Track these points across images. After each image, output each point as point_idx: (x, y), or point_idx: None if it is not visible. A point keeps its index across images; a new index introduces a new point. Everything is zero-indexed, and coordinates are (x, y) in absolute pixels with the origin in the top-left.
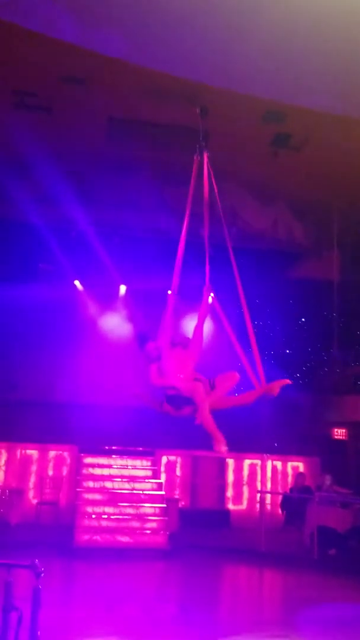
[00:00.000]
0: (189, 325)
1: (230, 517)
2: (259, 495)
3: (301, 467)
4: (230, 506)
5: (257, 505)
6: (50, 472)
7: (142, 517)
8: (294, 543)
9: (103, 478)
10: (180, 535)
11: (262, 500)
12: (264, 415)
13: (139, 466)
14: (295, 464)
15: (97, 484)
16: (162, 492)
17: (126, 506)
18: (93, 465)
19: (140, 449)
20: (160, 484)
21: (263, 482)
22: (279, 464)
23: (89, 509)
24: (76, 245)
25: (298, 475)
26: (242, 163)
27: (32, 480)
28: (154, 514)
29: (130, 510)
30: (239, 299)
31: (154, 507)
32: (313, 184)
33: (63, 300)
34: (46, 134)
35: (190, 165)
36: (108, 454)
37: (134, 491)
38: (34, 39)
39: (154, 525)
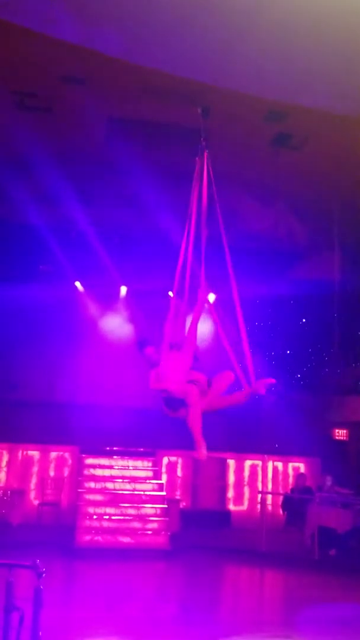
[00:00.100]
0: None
1: (231, 517)
2: (259, 495)
3: (302, 467)
4: (231, 507)
5: (258, 506)
6: (52, 473)
7: (143, 518)
8: (294, 543)
9: (104, 479)
10: (181, 535)
11: (263, 500)
12: (265, 416)
13: (140, 467)
14: (296, 464)
15: (99, 485)
16: (163, 493)
17: (127, 507)
18: (94, 466)
19: (142, 449)
20: (161, 485)
21: (264, 483)
22: (279, 465)
23: (90, 510)
24: (76, 246)
25: (299, 476)
26: (242, 163)
27: (34, 481)
28: (155, 515)
29: (132, 511)
30: (237, 299)
31: (155, 507)
32: (313, 184)
33: (64, 300)
34: (46, 134)
35: (190, 165)
36: (109, 454)
37: (135, 492)
38: (34, 39)
39: (155, 525)
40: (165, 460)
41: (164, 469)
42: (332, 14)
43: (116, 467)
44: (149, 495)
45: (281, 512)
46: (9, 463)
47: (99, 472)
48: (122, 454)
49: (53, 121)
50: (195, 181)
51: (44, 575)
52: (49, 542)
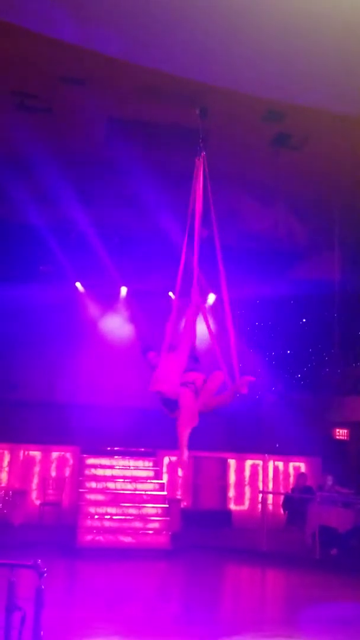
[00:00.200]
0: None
1: (232, 517)
2: (260, 495)
3: (303, 467)
4: (232, 506)
5: (259, 506)
6: (53, 473)
7: (144, 518)
8: (295, 543)
9: (105, 479)
10: (182, 535)
11: (264, 500)
12: (266, 416)
13: (141, 467)
14: (297, 464)
15: (100, 485)
16: (164, 493)
17: (128, 507)
18: (95, 466)
19: (142, 449)
20: (162, 485)
21: (265, 483)
22: (280, 465)
23: (92, 510)
24: (76, 246)
25: (299, 476)
26: (242, 163)
27: (35, 481)
28: (156, 515)
29: (133, 511)
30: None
31: (156, 507)
32: (313, 183)
33: (64, 301)
34: (46, 134)
35: (190, 165)
36: (110, 454)
37: (136, 492)
38: (34, 40)
39: (156, 525)
40: (166, 460)
41: (164, 469)
42: (331, 13)
43: (117, 467)
44: (150, 495)
45: (282, 511)
46: (10, 463)
47: (100, 472)
48: (123, 454)
49: (53, 122)
50: (194, 182)
51: (45, 575)
52: (50, 542)
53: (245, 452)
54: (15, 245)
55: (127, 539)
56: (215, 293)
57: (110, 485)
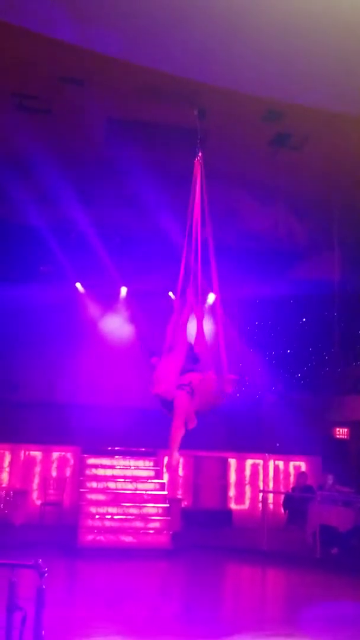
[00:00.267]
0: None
1: (232, 516)
2: (261, 494)
3: (303, 466)
4: (233, 506)
5: (260, 505)
6: (54, 473)
7: (145, 517)
8: (296, 542)
9: (106, 478)
10: (183, 534)
11: (265, 499)
12: (266, 416)
13: (141, 466)
14: (297, 463)
15: (101, 485)
16: (165, 492)
17: (129, 506)
18: (96, 466)
19: (143, 449)
20: (162, 484)
21: (265, 482)
22: (281, 464)
23: (93, 510)
24: (76, 246)
25: (300, 475)
26: (242, 163)
27: (36, 481)
28: (156, 514)
29: (134, 511)
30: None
31: (157, 507)
32: (313, 183)
33: (64, 301)
34: (46, 135)
35: (190, 165)
36: (111, 454)
37: (137, 491)
38: (33, 40)
39: (157, 525)
40: (166, 459)
41: (165, 469)
42: (330, 13)
43: (118, 467)
44: (151, 494)
45: (282, 511)
46: (11, 463)
47: (100, 472)
48: (124, 454)
49: (52, 122)
50: (193, 183)
51: (46, 574)
52: (51, 542)
53: (246, 451)
54: (16, 246)
55: (127, 539)
56: (210, 293)
57: (111, 485)
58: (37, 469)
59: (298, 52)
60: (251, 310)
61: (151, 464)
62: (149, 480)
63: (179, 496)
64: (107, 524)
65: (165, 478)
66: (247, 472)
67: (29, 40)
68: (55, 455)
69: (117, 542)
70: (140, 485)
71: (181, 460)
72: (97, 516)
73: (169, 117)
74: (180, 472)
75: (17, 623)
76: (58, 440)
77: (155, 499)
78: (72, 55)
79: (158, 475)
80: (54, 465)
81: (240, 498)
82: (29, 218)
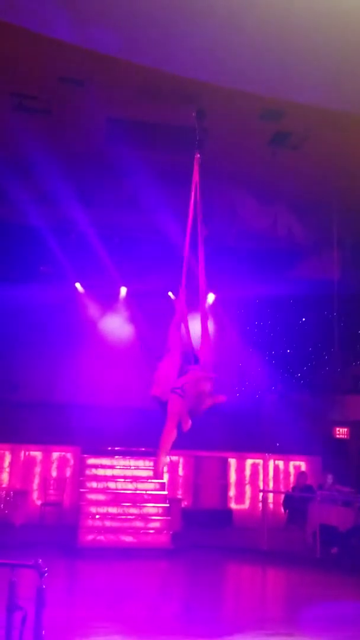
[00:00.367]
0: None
1: (232, 516)
2: (261, 494)
3: (303, 466)
4: (233, 505)
5: (260, 505)
6: (54, 473)
7: (145, 517)
8: (296, 542)
9: (106, 479)
10: (183, 534)
11: (265, 499)
12: (266, 415)
13: (141, 466)
14: (297, 463)
15: (101, 485)
16: (165, 492)
17: (129, 506)
18: (96, 466)
19: (143, 449)
20: (163, 484)
21: (265, 482)
22: (280, 463)
23: (93, 510)
24: (76, 246)
25: (300, 474)
26: (241, 162)
27: (36, 481)
28: (157, 514)
29: (134, 510)
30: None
31: (157, 507)
32: (313, 182)
33: (64, 301)
34: (45, 135)
35: (190, 165)
36: (111, 454)
37: (137, 491)
38: (32, 40)
39: (157, 525)
40: (167, 459)
41: (165, 468)
42: (329, 11)
43: (118, 467)
44: (151, 494)
45: (283, 510)
46: (11, 464)
47: (100, 472)
48: (124, 454)
49: (52, 122)
50: (192, 184)
51: (46, 574)
52: (51, 542)
53: (246, 451)
54: (15, 246)
55: (128, 539)
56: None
57: (111, 485)
58: (37, 469)
59: (298, 50)
60: (251, 310)
61: (151, 464)
62: (149, 480)
63: (179, 496)
64: (107, 523)
65: (165, 478)
66: (247, 471)
67: (29, 40)
68: (56, 455)
69: (117, 542)
70: (140, 485)
71: (181, 460)
72: (97, 516)
73: (169, 117)
74: (181, 471)
75: (17, 623)
76: (58, 441)
77: (155, 498)
78: (72, 55)
79: (158, 475)
80: (54, 465)
81: (240, 498)
82: (29, 218)
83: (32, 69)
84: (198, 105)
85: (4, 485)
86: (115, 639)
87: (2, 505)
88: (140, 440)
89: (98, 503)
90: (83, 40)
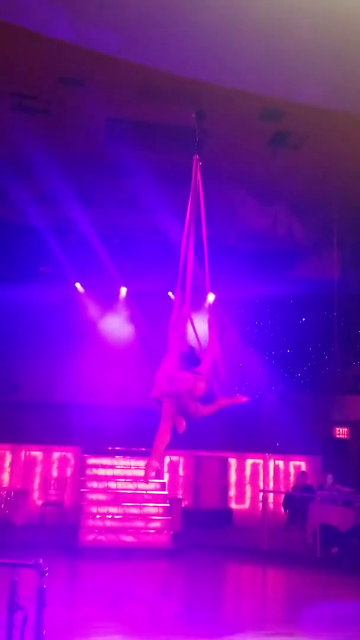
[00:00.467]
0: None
1: (233, 516)
2: (261, 494)
3: (303, 466)
4: (233, 505)
5: (260, 504)
6: (55, 473)
7: (145, 517)
8: (296, 541)
9: (107, 478)
10: (183, 534)
11: (265, 499)
12: (266, 415)
13: (142, 466)
14: (297, 463)
15: (101, 485)
16: (166, 492)
17: (130, 506)
18: (97, 466)
19: (143, 449)
20: (163, 484)
21: (265, 481)
22: (281, 463)
23: (93, 509)
24: (76, 246)
25: (300, 474)
26: (241, 162)
27: (37, 481)
28: (157, 514)
29: (134, 510)
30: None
31: (158, 506)
32: (313, 182)
33: (64, 301)
34: (45, 135)
35: (190, 165)
36: (111, 454)
37: (138, 491)
38: (32, 40)
39: (157, 524)
40: (167, 459)
41: (165, 468)
42: (329, 11)
43: (118, 467)
44: (151, 494)
45: (283, 510)
46: (12, 464)
47: (101, 471)
48: (124, 454)
49: (52, 122)
50: (192, 187)
51: (47, 574)
52: (52, 541)
53: (246, 451)
54: (15, 246)
55: (128, 539)
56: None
57: (112, 484)
58: (38, 469)
59: (298, 50)
60: (251, 310)
61: (158, 460)
62: (150, 480)
63: (180, 496)
64: (108, 523)
65: (166, 478)
66: (248, 471)
67: (29, 40)
68: (56, 455)
69: (118, 541)
70: (140, 485)
71: (181, 460)
72: (97, 516)
73: (169, 117)
74: (181, 471)
75: (18, 622)
76: (58, 441)
77: (155, 498)
78: (72, 55)
79: (158, 475)
80: (55, 465)
81: (240, 498)
82: (29, 218)
83: (32, 69)
84: (198, 106)
85: (4, 485)
86: (116, 638)
87: (2, 505)
88: (140, 440)
89: (98, 503)
90: (83, 40)
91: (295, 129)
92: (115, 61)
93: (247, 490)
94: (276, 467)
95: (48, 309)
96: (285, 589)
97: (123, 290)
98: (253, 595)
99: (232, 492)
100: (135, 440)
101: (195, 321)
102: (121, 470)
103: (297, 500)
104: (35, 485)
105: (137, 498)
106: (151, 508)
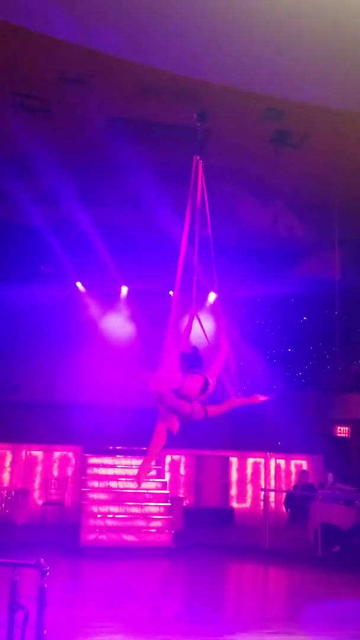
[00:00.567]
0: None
1: (234, 515)
2: (262, 493)
3: (304, 465)
4: (234, 504)
5: (261, 503)
6: (55, 473)
7: (147, 516)
8: (298, 540)
9: (108, 478)
10: (185, 533)
11: (266, 498)
12: (267, 414)
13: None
14: (299, 461)
15: (102, 484)
16: (167, 491)
17: (131, 505)
18: (98, 465)
19: (144, 448)
20: (164, 483)
21: (267, 480)
22: (282, 462)
23: (94, 509)
24: (77, 246)
25: (301, 473)
26: (241, 161)
27: (38, 480)
28: (158, 513)
29: (135, 510)
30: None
31: (159, 506)
32: (313, 181)
33: (65, 300)
34: (46, 134)
35: (191, 164)
36: (112, 453)
37: (139, 490)
38: (33, 39)
39: (159, 524)
40: (168, 458)
41: (167, 468)
42: (330, 10)
43: (119, 466)
44: (153, 493)
45: (284, 509)
46: (12, 463)
47: (102, 471)
48: (125, 453)
49: (53, 122)
50: (192, 187)
51: (48, 574)
52: (53, 541)
53: (247, 450)
54: (16, 246)
55: (129, 538)
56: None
57: (113, 484)
58: (39, 469)
59: (298, 49)
60: (252, 309)
61: (153, 462)
62: (151, 479)
63: (181, 495)
64: (109, 523)
65: (167, 477)
66: (249, 470)
67: (29, 39)
68: (57, 454)
69: (119, 541)
70: (141, 484)
71: (183, 459)
72: (98, 515)
73: (170, 115)
74: (182, 471)
75: (19, 622)
76: (59, 440)
77: (157, 497)
78: (73, 54)
79: (160, 474)
80: (56, 464)
81: (241, 497)
82: (30, 217)
83: (33, 68)
84: (199, 105)
85: (5, 485)
86: (117, 638)
87: (3, 505)
88: (141, 439)
89: (100, 502)
90: (83, 40)
91: (296, 128)
92: (116, 60)
93: (249, 489)
94: (277, 466)
95: (49, 309)
96: (287, 588)
97: (124, 290)
98: (254, 594)
99: (233, 491)
100: (136, 439)
101: (190, 320)
102: (122, 470)
103: (298, 499)
104: (36, 485)
105: (138, 497)
106: (152, 507)
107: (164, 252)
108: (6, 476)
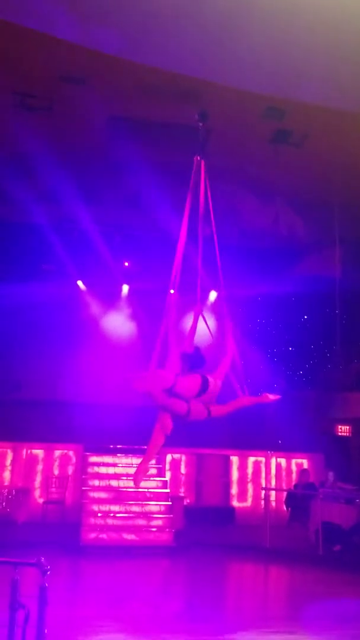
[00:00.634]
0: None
1: (235, 514)
2: (263, 492)
3: (305, 463)
4: (235, 503)
5: (262, 502)
6: (56, 471)
7: (147, 515)
8: (298, 539)
9: (108, 476)
10: (185, 532)
11: (267, 497)
12: (268, 413)
13: None
14: (299, 460)
15: (103, 483)
16: (167, 490)
17: (132, 504)
18: (98, 464)
19: (145, 447)
20: (165, 482)
21: (267, 479)
22: (283, 461)
23: (95, 508)
24: (78, 244)
25: (302, 472)
26: (242, 160)
27: (38, 479)
28: (159, 512)
29: (136, 508)
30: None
31: (159, 505)
32: (314, 180)
33: (66, 299)
34: (47, 133)
35: (192, 163)
36: (113, 452)
37: (140, 489)
38: (34, 39)
39: (159, 522)
40: (168, 457)
41: (167, 466)
42: (330, 10)
43: (120, 465)
44: (153, 492)
45: (285, 508)
46: (13, 462)
47: (103, 469)
48: (126, 452)
49: (54, 121)
50: (192, 189)
51: (48, 572)
52: (53, 540)
53: (248, 449)
54: (17, 244)
55: (130, 537)
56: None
57: (114, 483)
58: (40, 467)
59: (299, 49)
60: (253, 308)
61: (153, 461)
62: (152, 478)
63: (182, 494)
64: (110, 521)
65: (168, 476)
66: (250, 469)
67: (30, 39)
68: (58, 453)
69: (120, 540)
70: (142, 483)
71: (183, 458)
72: (99, 514)
73: (171, 115)
74: (183, 469)
75: (19, 621)
76: (60, 439)
77: (157, 496)
78: (74, 53)
79: (160, 473)
80: (56, 463)
81: (242, 495)
82: (31, 216)
83: (34, 67)
84: (199, 104)
85: (6, 484)
86: (118, 637)
87: (4, 504)
88: (142, 437)
89: (100, 501)
90: (85, 39)
91: (296, 127)
92: (117, 60)
93: (249, 488)
94: (278, 465)
95: (50, 307)
96: (288, 587)
97: (125, 288)
98: (255, 593)
99: (234, 490)
100: (137, 438)
101: (195, 320)
102: (123, 468)
103: (299, 498)
104: (37, 484)
105: (139, 496)
106: (153, 506)
107: (165, 251)
108: (7, 475)
